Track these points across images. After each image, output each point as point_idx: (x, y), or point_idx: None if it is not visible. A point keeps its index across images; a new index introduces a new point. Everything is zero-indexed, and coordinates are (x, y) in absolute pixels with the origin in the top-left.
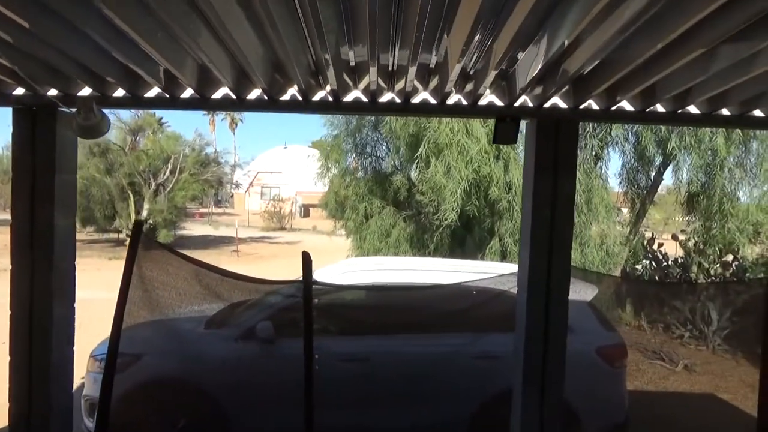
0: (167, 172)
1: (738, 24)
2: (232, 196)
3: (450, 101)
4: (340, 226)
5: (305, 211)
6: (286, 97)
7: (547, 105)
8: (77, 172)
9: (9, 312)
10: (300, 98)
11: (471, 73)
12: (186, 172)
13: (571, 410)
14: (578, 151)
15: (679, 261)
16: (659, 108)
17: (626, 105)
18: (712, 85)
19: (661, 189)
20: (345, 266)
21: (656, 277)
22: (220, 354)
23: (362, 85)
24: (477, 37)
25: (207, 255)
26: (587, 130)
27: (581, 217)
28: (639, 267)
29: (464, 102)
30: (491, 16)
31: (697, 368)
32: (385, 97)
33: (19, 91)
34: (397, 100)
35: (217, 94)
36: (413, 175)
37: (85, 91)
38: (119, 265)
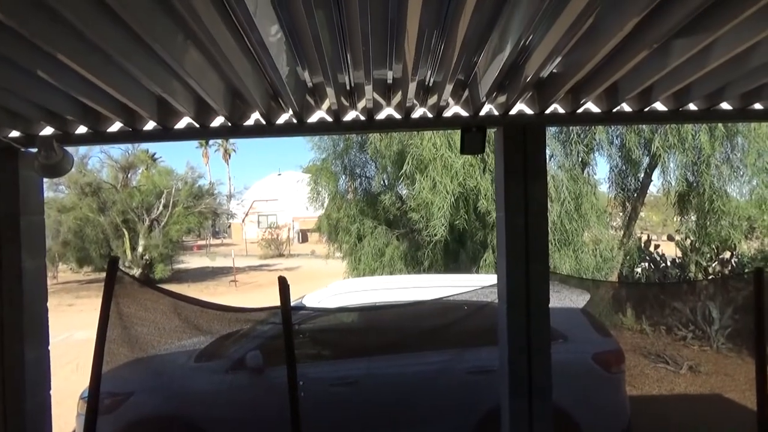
0: (161, 207)
1: (683, 18)
2: (229, 226)
3: (415, 115)
4: (335, 248)
5: (303, 236)
6: (249, 122)
7: (512, 112)
8: (69, 214)
9: None
10: (263, 122)
11: (431, 85)
12: (180, 205)
13: (572, 420)
14: (565, 158)
15: (677, 261)
16: (626, 107)
17: (592, 107)
18: (673, 80)
19: (657, 191)
20: (335, 289)
21: (655, 279)
22: (210, 387)
23: (325, 105)
24: (427, 49)
25: (205, 287)
26: (572, 136)
27: (572, 224)
28: (638, 270)
29: (429, 115)
30: (436, 25)
31: (702, 369)
32: (349, 116)
33: None
34: (362, 118)
35: (180, 124)
36: (402, 192)
37: (47, 131)
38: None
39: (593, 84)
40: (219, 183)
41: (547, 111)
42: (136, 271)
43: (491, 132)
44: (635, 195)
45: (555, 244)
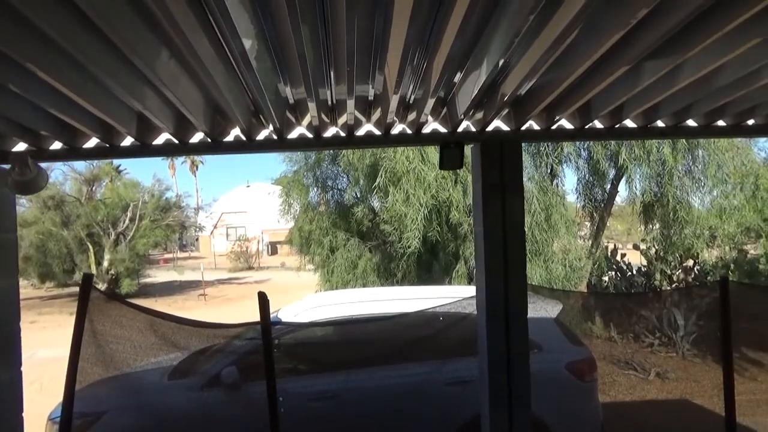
0: (127, 220)
1: (654, 41)
2: (197, 239)
3: (394, 131)
4: (307, 261)
5: (272, 248)
6: (229, 138)
7: (489, 129)
8: (31, 228)
9: None
10: (244, 138)
11: (411, 102)
12: (146, 218)
13: (547, 429)
14: (534, 170)
15: (643, 270)
16: (597, 124)
17: (565, 123)
18: (643, 99)
19: (622, 201)
20: (311, 302)
21: (622, 288)
22: (185, 405)
23: (305, 121)
24: (410, 66)
25: (173, 301)
26: (542, 149)
27: (543, 235)
28: (605, 278)
29: (408, 131)
30: (420, 43)
31: (669, 375)
32: (329, 132)
33: None
34: (342, 134)
35: (159, 140)
36: (375, 205)
37: (20, 147)
38: None
39: (568, 102)
40: (186, 195)
41: (523, 127)
42: (102, 286)
43: (468, 148)
44: (602, 205)
45: (527, 254)
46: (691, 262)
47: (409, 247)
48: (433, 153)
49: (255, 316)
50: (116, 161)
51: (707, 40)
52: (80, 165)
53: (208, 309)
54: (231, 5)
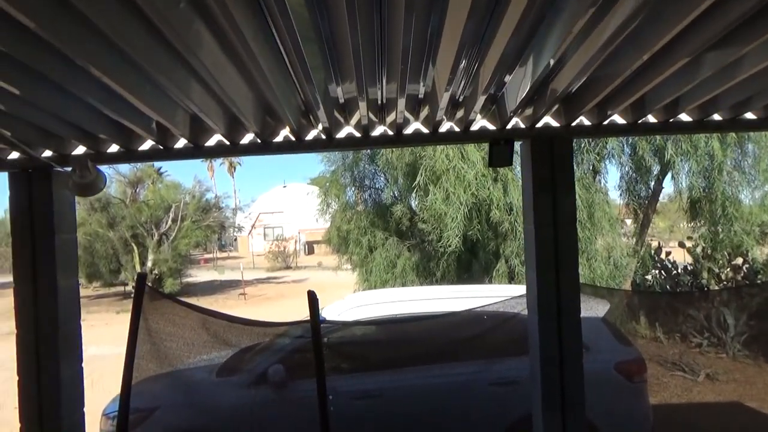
0: (169, 221)
1: (718, 32)
2: (235, 239)
3: (442, 129)
4: (345, 260)
5: (309, 248)
6: (278, 138)
7: (539, 125)
8: (79, 229)
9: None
10: (293, 138)
11: (460, 99)
12: (188, 219)
13: (596, 430)
14: (575, 167)
15: (689, 268)
16: (651, 119)
17: (618, 118)
18: (700, 92)
19: (663, 197)
20: (353, 301)
21: (667, 287)
22: (233, 402)
23: (354, 120)
24: (462, 64)
25: (214, 300)
26: (583, 145)
27: (585, 232)
28: (649, 277)
29: (456, 129)
30: (474, 42)
31: (719, 377)
32: (377, 131)
33: (14, 155)
34: (390, 133)
35: (211, 141)
36: (413, 204)
37: (80, 150)
38: (127, 318)
39: (621, 97)
40: (225, 196)
41: (574, 123)
42: None
43: (517, 145)
44: (646, 202)
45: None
46: (740, 260)
47: (449, 245)
48: (472, 151)
49: (294, 314)
50: (157, 164)
51: None
52: (124, 167)
53: (249, 308)
54: (290, 4)
